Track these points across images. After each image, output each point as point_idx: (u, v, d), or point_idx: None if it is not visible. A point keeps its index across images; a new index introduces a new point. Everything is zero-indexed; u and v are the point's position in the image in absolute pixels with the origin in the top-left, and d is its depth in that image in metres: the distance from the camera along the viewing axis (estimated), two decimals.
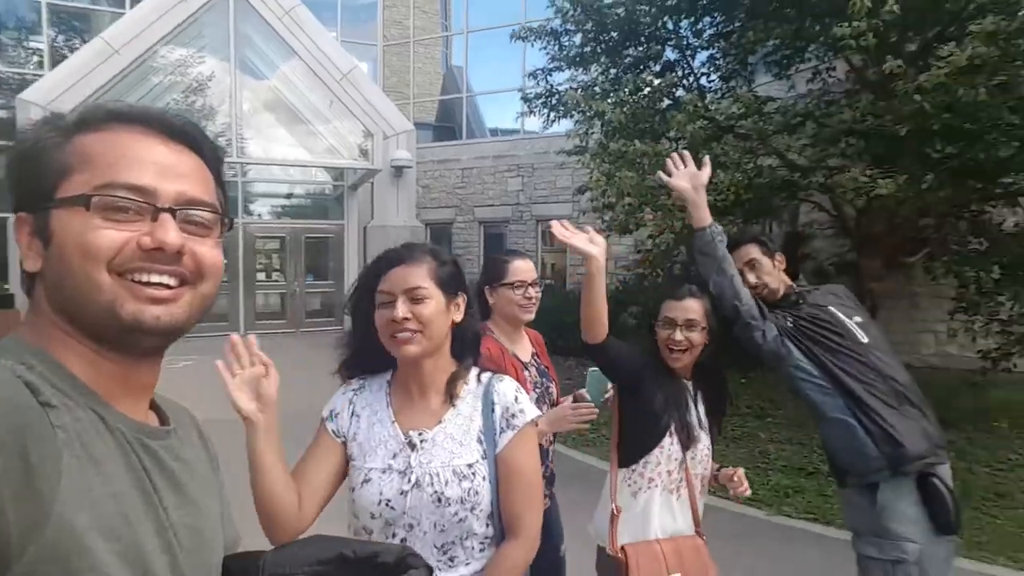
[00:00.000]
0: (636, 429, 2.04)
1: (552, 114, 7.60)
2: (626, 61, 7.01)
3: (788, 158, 5.73)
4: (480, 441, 1.34)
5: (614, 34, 7.09)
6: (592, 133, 6.59)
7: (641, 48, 7.02)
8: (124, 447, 0.64)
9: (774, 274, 2.29)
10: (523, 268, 2.20)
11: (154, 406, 0.77)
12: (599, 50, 7.25)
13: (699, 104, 5.84)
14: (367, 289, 1.36)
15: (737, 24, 6.68)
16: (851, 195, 5.11)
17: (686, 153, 2.22)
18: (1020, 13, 4.25)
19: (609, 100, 6.19)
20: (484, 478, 1.31)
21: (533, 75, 7.69)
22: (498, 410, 1.36)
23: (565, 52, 7.34)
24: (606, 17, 6.94)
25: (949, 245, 6.04)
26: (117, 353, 0.67)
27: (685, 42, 7.31)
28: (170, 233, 0.66)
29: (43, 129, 0.68)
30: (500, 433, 1.34)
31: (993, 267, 4.99)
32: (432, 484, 1.28)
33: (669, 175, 2.16)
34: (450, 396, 1.36)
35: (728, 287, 2.11)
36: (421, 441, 1.32)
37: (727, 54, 7.07)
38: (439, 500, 1.28)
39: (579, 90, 6.74)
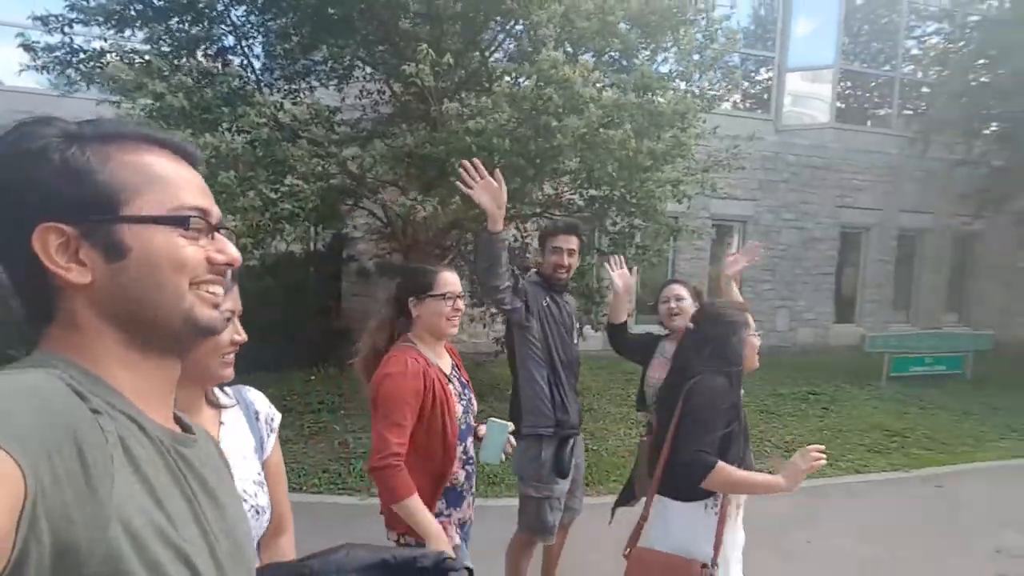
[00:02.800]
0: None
1: (74, 73, 6.14)
2: (180, 36, 6.22)
3: (350, 169, 6.17)
4: (255, 451, 1.39)
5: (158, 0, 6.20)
6: (134, 112, 5.63)
7: (198, 26, 6.34)
8: (163, 454, 0.67)
9: (575, 264, 3.01)
10: (452, 280, 2.19)
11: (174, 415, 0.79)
12: (136, 13, 6.20)
13: (266, 103, 5.71)
14: None
15: (291, 27, 6.70)
16: (400, 211, 5.93)
17: (476, 162, 2.54)
18: (525, 81, 5.71)
19: (163, 79, 5.42)
20: (263, 484, 1.37)
21: (43, 20, 6.04)
22: (261, 416, 1.43)
23: (97, 4, 6.00)
24: None
25: (465, 252, 7.63)
26: (160, 359, 0.72)
27: (243, 30, 6.95)
28: (234, 249, 0.75)
29: (54, 139, 0.66)
30: (267, 439, 1.42)
31: None
32: (247, 499, 1.30)
33: (465, 184, 2.52)
34: (215, 407, 1.37)
35: (495, 288, 2.72)
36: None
37: (287, 55, 7.04)
38: (257, 512, 1.31)
39: (128, 61, 5.69)
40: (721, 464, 2.01)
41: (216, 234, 0.74)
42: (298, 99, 6.98)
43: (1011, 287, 13.96)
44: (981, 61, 11.94)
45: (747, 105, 12.21)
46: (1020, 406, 8.21)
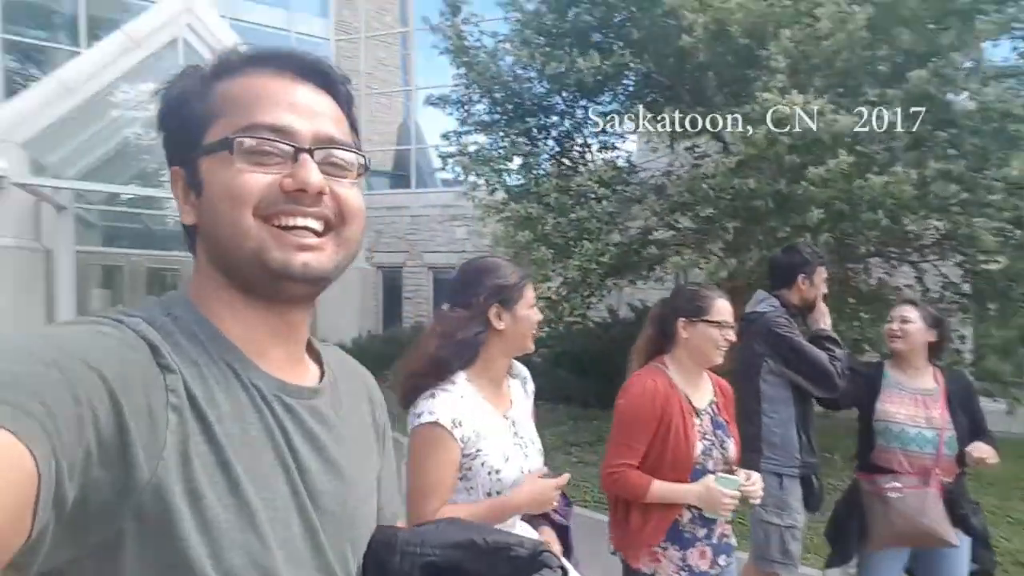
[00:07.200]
0: None
1: (463, 172, 7.17)
2: (526, 128, 7.00)
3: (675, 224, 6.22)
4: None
5: (509, 106, 7.03)
6: (496, 190, 7.26)
7: (541, 119, 7.15)
8: (258, 404, 0.64)
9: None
10: (727, 308, 2.08)
11: (320, 362, 0.77)
12: (496, 117, 7.22)
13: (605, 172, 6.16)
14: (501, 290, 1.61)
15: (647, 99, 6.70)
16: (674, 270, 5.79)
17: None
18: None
19: (511, 165, 6.60)
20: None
21: (446, 136, 7.50)
22: (529, 382, 1.82)
23: (473, 118, 7.27)
24: (496, 91, 6.89)
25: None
26: (266, 302, 0.68)
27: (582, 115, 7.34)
28: (312, 173, 0.65)
29: (184, 81, 0.68)
30: (526, 393, 1.79)
31: None
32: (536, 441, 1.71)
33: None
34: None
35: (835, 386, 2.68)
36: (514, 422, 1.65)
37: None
38: (540, 451, 1.70)
39: (487, 158, 6.89)
40: None
41: (302, 156, 0.64)
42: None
43: None
44: None
45: None
46: None
